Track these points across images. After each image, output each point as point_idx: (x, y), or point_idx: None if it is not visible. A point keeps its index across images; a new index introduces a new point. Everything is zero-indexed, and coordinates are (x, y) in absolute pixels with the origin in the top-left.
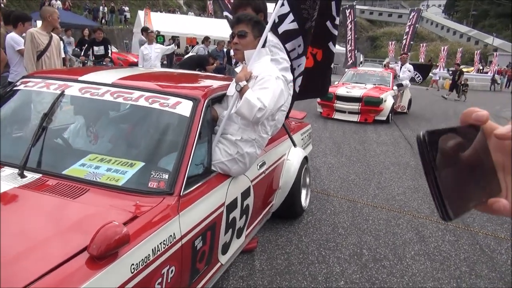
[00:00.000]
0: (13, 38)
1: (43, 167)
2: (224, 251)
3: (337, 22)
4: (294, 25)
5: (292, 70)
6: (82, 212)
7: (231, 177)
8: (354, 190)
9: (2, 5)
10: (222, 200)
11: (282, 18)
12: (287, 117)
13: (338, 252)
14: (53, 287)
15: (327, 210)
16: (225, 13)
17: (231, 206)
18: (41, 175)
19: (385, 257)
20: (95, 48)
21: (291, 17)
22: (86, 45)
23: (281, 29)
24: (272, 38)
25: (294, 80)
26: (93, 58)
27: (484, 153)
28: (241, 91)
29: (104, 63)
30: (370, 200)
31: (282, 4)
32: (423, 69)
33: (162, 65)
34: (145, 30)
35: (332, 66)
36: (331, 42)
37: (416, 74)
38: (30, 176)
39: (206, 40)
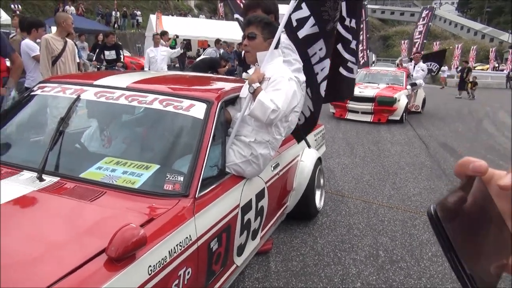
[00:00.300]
0: (28, 44)
1: (61, 170)
2: (240, 253)
3: (347, 23)
4: (315, 29)
5: (315, 74)
6: (99, 214)
7: (246, 179)
8: (369, 191)
9: (17, 12)
10: (236, 201)
11: (302, 22)
12: (315, 122)
13: (353, 253)
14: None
15: (342, 211)
16: (236, 16)
17: (246, 208)
18: (59, 178)
19: (402, 258)
20: (106, 52)
21: (312, 21)
22: (97, 50)
23: (301, 34)
24: (284, 40)
25: (319, 84)
26: (105, 62)
27: (485, 201)
28: (254, 93)
29: (116, 67)
30: (386, 200)
31: (300, 8)
32: (437, 57)
33: (174, 68)
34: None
35: (341, 70)
36: (341, 44)
37: (433, 64)
38: (49, 180)
39: (217, 42)
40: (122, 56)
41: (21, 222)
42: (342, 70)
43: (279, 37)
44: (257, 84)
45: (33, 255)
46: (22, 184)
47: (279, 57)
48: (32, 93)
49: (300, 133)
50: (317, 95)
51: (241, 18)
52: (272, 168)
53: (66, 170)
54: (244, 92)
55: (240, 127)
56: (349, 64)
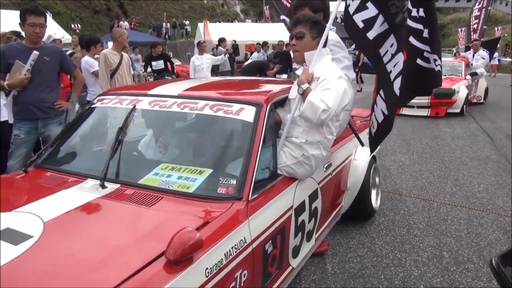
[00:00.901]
0: (88, 61)
1: (121, 177)
2: (295, 255)
3: (414, 13)
4: (385, 26)
5: (388, 73)
6: (158, 219)
7: (298, 180)
8: (429, 189)
9: (77, 30)
10: (290, 203)
11: (370, 22)
12: (390, 126)
13: (415, 254)
14: None
15: (400, 210)
16: (282, 17)
17: (299, 209)
18: (119, 185)
19: (468, 259)
20: (153, 63)
21: (381, 19)
22: (145, 61)
23: (371, 35)
24: (332, 37)
25: (393, 82)
26: (153, 73)
27: None
28: (303, 94)
29: (167, 77)
30: (448, 198)
31: (366, 7)
32: (492, 45)
33: (224, 73)
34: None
35: (419, 61)
36: (412, 36)
37: (485, 50)
38: (110, 187)
39: (264, 45)
40: (173, 67)
41: (87, 227)
42: (420, 62)
43: (327, 35)
44: (306, 85)
45: (98, 258)
46: (87, 191)
47: (327, 56)
48: (93, 106)
49: (373, 141)
50: (391, 95)
51: (287, 19)
52: (325, 168)
53: (126, 177)
54: (293, 93)
55: (290, 128)
56: (425, 54)
